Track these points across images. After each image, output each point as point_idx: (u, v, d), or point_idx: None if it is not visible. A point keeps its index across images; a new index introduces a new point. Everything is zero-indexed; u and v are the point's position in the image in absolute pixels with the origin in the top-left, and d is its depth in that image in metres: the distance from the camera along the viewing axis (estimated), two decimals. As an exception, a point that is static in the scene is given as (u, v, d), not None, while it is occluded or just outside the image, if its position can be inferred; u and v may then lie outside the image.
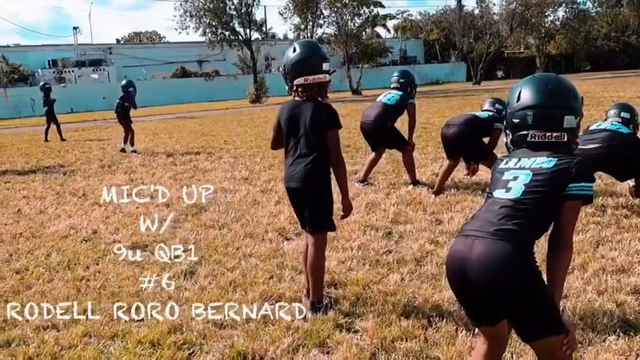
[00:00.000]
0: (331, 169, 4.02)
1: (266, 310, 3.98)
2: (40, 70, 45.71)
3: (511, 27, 50.40)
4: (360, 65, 46.35)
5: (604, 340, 3.38)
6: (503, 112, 2.79)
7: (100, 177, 10.02)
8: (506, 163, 2.63)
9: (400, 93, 7.89)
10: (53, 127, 17.25)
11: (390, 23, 61.82)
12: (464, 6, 57.31)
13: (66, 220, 6.91)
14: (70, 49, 49.59)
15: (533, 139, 2.59)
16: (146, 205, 7.54)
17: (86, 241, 6.00)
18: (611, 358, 3.20)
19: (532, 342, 2.46)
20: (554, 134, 2.56)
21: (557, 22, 56.51)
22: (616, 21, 64.44)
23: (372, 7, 43.63)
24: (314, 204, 4.02)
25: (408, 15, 66.43)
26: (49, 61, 47.26)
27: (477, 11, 53.74)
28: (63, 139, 16.93)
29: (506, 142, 2.73)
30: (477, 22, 53.40)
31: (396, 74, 8.25)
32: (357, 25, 43.27)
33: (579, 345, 3.23)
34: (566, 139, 2.57)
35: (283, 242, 5.58)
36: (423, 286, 4.30)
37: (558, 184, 2.42)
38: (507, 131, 2.72)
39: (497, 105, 7.30)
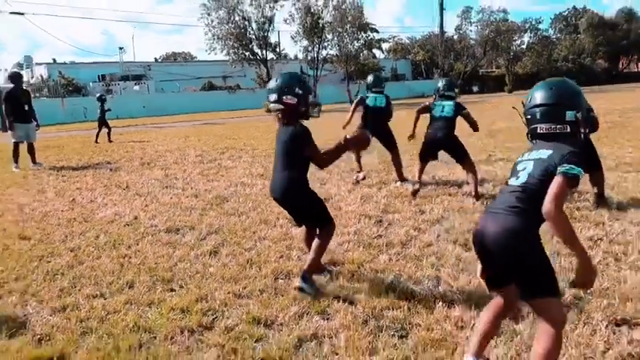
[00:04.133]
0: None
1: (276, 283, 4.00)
2: (91, 83, 45.74)
3: (484, 50, 50.35)
4: (358, 81, 46.33)
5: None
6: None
7: (140, 172, 10.02)
8: (522, 156, 2.71)
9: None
10: (103, 130, 17.28)
11: (384, 46, 62.02)
12: (445, 32, 57.20)
13: (112, 208, 6.93)
14: (116, 66, 49.62)
15: (542, 131, 2.68)
16: (178, 195, 7.55)
17: (128, 225, 6.02)
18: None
19: (529, 300, 2.52)
20: (558, 126, 2.62)
21: (524, 46, 56.35)
22: (574, 45, 64.16)
23: (368, 33, 43.60)
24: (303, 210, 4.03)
25: (399, 39, 66.45)
26: (98, 75, 47.29)
27: (456, 37, 53.57)
28: (110, 141, 16.95)
29: (527, 134, 2.82)
30: (456, 46, 53.24)
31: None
32: (355, 47, 43.19)
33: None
34: (569, 130, 2.63)
35: (291, 228, 5.58)
36: (408, 265, 4.31)
37: (550, 170, 2.45)
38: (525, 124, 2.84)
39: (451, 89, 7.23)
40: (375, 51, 54.90)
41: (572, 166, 2.42)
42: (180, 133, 19.08)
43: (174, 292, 3.95)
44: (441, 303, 3.54)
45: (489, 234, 2.53)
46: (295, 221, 4.22)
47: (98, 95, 18.74)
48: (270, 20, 36.93)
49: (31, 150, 11.38)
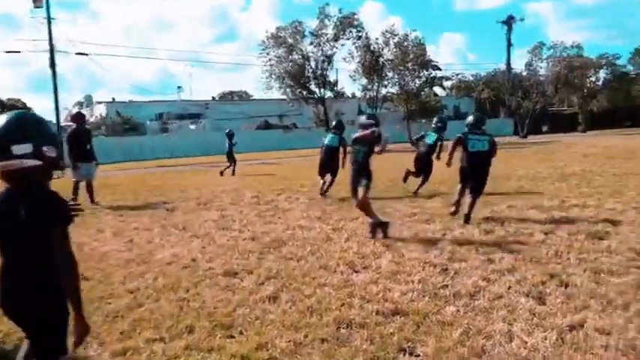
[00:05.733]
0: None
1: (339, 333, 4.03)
2: (148, 122, 47.88)
3: (556, 87, 49.40)
4: (419, 120, 46.38)
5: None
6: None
7: (197, 213, 10.31)
8: None
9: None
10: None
11: (446, 83, 62.07)
12: (513, 69, 56.67)
13: (170, 249, 7.16)
14: (174, 104, 51.86)
15: None
16: (235, 238, 7.74)
17: (186, 267, 6.19)
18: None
19: None
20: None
21: (599, 83, 54.98)
22: (655, 81, 62.06)
23: (430, 70, 43.80)
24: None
25: (462, 76, 66.29)
26: (156, 114, 49.45)
27: (524, 73, 52.92)
28: (233, 174, 18.97)
29: None
30: (525, 83, 52.52)
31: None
32: (417, 85, 43.42)
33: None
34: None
35: (352, 274, 5.62)
36: (477, 318, 4.25)
37: None
38: None
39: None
40: (437, 89, 55.12)
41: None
42: (237, 173, 19.56)
43: (233, 339, 4.04)
44: (514, 360, 3.47)
45: None
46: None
47: (227, 131, 20.87)
48: (330, 59, 37.77)
49: (90, 189, 11.98)
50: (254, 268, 5.96)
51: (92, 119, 47.54)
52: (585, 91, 53.23)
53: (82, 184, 11.87)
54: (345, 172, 9.33)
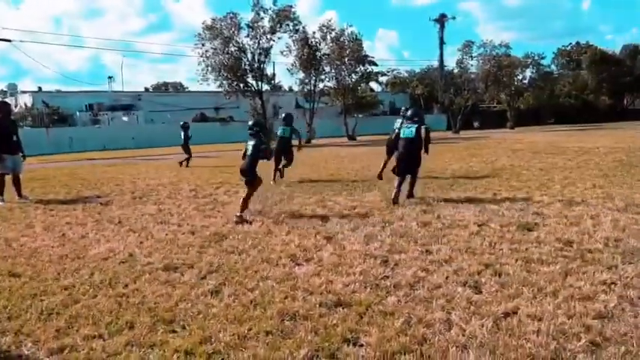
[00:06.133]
0: None
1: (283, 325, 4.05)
2: (77, 113, 46.05)
3: (486, 85, 51.13)
4: (356, 115, 46.90)
5: (574, 359, 3.46)
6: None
7: (133, 207, 10.05)
8: None
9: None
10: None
11: (382, 79, 63.01)
12: (445, 66, 58.28)
13: (105, 244, 6.96)
14: (105, 95, 50.08)
15: None
16: (174, 232, 7.61)
17: (124, 262, 6.05)
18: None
19: None
20: None
21: (525, 81, 57.34)
22: (576, 81, 65.37)
23: (367, 66, 44.36)
24: None
25: (397, 72, 67.49)
26: (86, 105, 47.61)
27: (456, 70, 54.44)
28: (185, 165, 19.09)
29: None
30: (457, 80, 54.05)
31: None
32: (353, 80, 43.84)
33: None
34: None
35: (295, 267, 5.64)
36: (417, 307, 4.36)
37: None
38: None
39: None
40: (373, 84, 55.93)
41: None
42: (172, 166, 19.17)
43: (176, 334, 3.99)
44: (454, 348, 3.60)
45: None
46: None
47: (182, 124, 21.08)
48: (267, 51, 37.42)
49: (17, 182, 11.42)
50: (195, 262, 5.88)
51: (16, 109, 45.19)
52: (513, 89, 55.24)
53: (8, 178, 11.31)
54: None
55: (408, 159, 9.75)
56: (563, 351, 3.53)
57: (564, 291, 4.63)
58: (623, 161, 15.31)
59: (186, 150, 19.90)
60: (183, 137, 20.16)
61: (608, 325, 3.93)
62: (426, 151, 9.72)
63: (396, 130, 10.99)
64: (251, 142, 8.81)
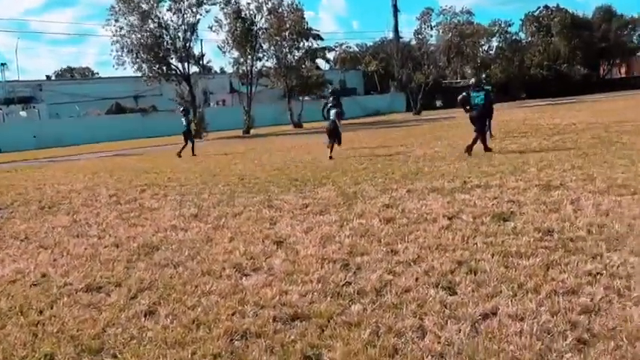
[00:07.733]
0: None
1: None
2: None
3: (448, 58, 52.11)
4: (301, 98, 46.88)
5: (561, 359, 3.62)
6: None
7: (42, 219, 9.83)
8: None
9: None
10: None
11: (329, 55, 63.24)
12: (401, 37, 58.90)
13: (11, 265, 6.80)
14: (-4, 86, 48.47)
15: None
16: (94, 245, 7.48)
17: (36, 285, 5.92)
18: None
19: None
20: None
21: (492, 52, 58.75)
22: (548, 50, 67.35)
23: (311, 40, 44.49)
24: None
25: (347, 47, 67.81)
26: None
27: (414, 42, 55.14)
28: (194, 154, 21.34)
29: None
30: (415, 53, 54.77)
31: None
32: (296, 57, 43.89)
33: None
34: None
35: (242, 278, 5.66)
36: (386, 315, 4.45)
37: None
38: None
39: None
40: (320, 61, 56.12)
41: None
42: (86, 167, 18.82)
43: (107, 365, 3.95)
44: (429, 357, 3.70)
45: None
46: None
47: (182, 109, 24.16)
48: (193, 28, 36.98)
49: None
50: (122, 280, 5.82)
51: None
52: (479, 61, 56.57)
53: None
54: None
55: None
56: (548, 352, 3.69)
57: (547, 286, 4.82)
58: (603, 138, 15.96)
59: (189, 137, 21.89)
60: (185, 123, 22.25)
61: (595, 319, 4.12)
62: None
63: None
64: (332, 111, 16.63)
